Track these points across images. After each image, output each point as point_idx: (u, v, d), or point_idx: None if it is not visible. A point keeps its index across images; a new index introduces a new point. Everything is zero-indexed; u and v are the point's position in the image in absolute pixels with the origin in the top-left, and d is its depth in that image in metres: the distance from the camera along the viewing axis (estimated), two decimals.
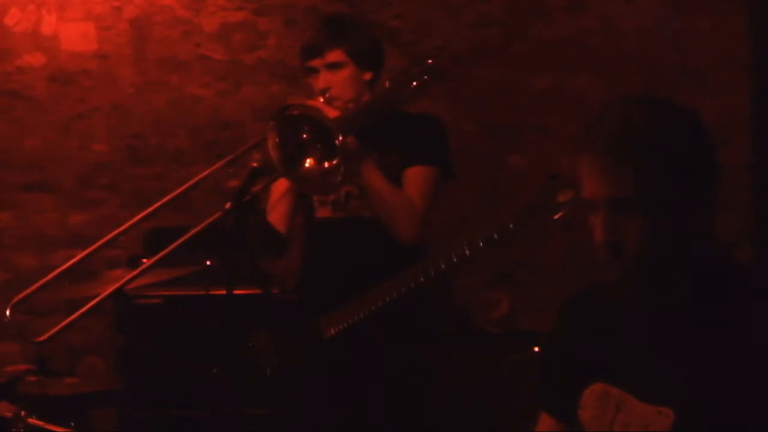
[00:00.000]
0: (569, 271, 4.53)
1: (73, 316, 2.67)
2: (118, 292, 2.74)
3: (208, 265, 3.26)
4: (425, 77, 2.90)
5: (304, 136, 2.74)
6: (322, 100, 2.93)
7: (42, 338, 2.74)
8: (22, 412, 2.64)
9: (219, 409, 2.78)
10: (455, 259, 2.62)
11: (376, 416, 2.94)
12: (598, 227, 1.67)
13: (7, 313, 2.79)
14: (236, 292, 2.62)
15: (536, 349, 3.82)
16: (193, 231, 2.75)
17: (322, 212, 3.08)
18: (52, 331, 2.72)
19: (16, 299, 2.82)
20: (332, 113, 2.80)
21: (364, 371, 2.95)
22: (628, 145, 1.62)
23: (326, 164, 2.71)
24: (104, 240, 2.98)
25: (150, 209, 2.97)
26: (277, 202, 3.13)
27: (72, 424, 2.78)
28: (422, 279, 2.71)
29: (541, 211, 2.36)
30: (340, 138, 2.67)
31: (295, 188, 3.04)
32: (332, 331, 2.87)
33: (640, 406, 1.67)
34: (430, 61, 2.94)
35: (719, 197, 1.67)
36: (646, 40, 4.84)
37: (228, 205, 2.61)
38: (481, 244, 2.56)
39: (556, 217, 2.32)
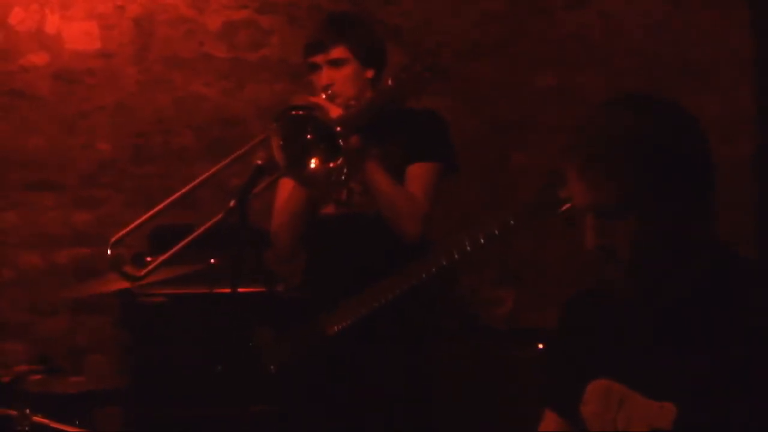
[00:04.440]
0: (574, 269, 4.52)
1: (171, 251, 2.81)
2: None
3: (213, 264, 3.27)
4: (427, 74, 2.90)
5: (308, 136, 2.74)
6: (324, 96, 2.94)
7: (140, 274, 2.84)
8: (27, 410, 2.65)
9: (224, 407, 2.78)
10: (457, 256, 2.63)
11: (381, 413, 2.95)
12: (589, 233, 1.68)
13: (108, 252, 2.90)
14: (241, 290, 2.63)
15: (541, 346, 3.82)
16: (200, 230, 2.76)
17: (326, 209, 3.08)
18: (150, 267, 2.86)
19: (114, 238, 2.91)
20: (335, 112, 2.81)
21: (367, 368, 2.96)
22: (604, 155, 1.63)
23: (331, 164, 2.72)
24: (117, 235, 3.00)
25: (157, 208, 2.97)
26: (284, 206, 3.11)
27: (77, 422, 2.79)
28: (425, 275, 2.72)
29: (543, 207, 2.37)
30: (344, 137, 2.68)
31: (301, 191, 3.02)
32: (336, 328, 2.88)
33: (643, 402, 1.67)
34: (432, 58, 2.94)
35: (718, 192, 1.66)
36: (649, 36, 4.84)
37: (232, 204, 2.62)
38: (482, 240, 2.56)
39: (562, 209, 2.32)
